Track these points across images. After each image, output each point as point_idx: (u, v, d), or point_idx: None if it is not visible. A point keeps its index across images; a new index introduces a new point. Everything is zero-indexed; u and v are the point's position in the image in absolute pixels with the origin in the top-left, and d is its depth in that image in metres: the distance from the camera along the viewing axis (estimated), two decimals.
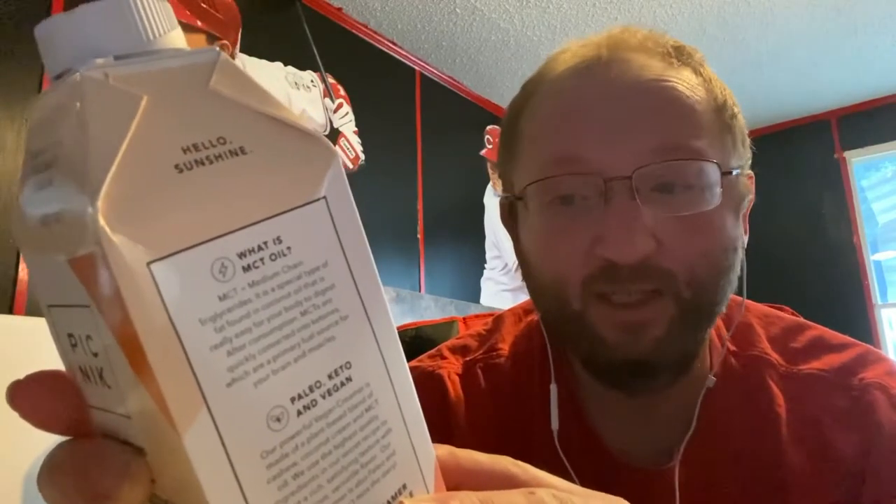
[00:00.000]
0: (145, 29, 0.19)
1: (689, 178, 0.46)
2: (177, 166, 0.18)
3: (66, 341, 0.19)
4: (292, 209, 0.20)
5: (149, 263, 0.17)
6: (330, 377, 0.20)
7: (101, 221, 0.16)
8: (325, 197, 0.21)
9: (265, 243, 0.19)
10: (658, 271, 0.45)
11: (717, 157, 0.46)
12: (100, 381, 0.18)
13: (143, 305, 0.17)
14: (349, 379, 0.21)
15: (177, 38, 0.20)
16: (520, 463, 0.24)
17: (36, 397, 0.19)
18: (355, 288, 0.21)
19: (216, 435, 0.17)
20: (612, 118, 0.46)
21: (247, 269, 0.19)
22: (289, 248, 0.20)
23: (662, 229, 0.45)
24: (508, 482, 0.23)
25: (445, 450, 0.24)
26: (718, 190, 0.46)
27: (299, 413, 0.19)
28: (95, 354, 0.18)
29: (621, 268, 0.44)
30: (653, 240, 0.44)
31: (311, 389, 0.20)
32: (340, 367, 0.21)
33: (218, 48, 0.20)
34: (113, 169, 0.17)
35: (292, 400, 0.19)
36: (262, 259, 0.19)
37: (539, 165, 0.49)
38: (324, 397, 0.20)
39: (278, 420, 0.19)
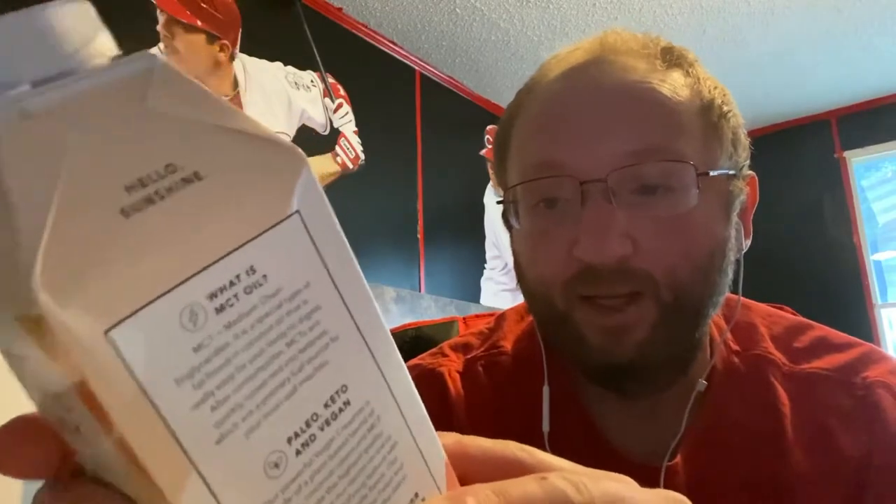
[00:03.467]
0: (63, 42, 0.16)
1: (667, 179, 0.46)
2: (123, 210, 0.15)
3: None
4: (263, 232, 0.18)
5: (107, 331, 0.15)
6: (326, 406, 0.19)
7: (44, 297, 0.14)
8: (298, 211, 0.18)
9: (237, 277, 0.17)
10: (636, 273, 0.45)
11: (696, 159, 0.46)
12: (78, 434, 0.16)
13: (107, 381, 0.15)
14: (347, 402, 0.19)
15: (103, 45, 0.17)
16: (526, 447, 0.24)
17: (11, 449, 0.17)
18: (343, 304, 0.19)
19: (210, 497, 0.16)
20: (589, 122, 0.47)
21: (220, 310, 0.16)
22: (264, 276, 0.17)
23: (640, 231, 0.45)
24: (516, 467, 0.23)
25: (452, 438, 0.24)
26: (695, 191, 0.46)
27: (298, 452, 0.18)
28: (69, 410, 0.16)
29: (600, 270, 0.45)
30: (628, 242, 0.45)
31: (307, 424, 0.18)
32: (337, 392, 0.19)
33: (152, 52, 0.17)
34: (47, 232, 0.14)
35: (289, 440, 0.18)
36: (235, 295, 0.17)
37: (523, 170, 0.50)
38: (322, 429, 0.19)
39: (276, 466, 0.17)
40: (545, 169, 0.48)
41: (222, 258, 0.17)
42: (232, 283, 0.17)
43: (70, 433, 0.16)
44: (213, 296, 0.16)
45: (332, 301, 0.19)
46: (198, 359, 0.16)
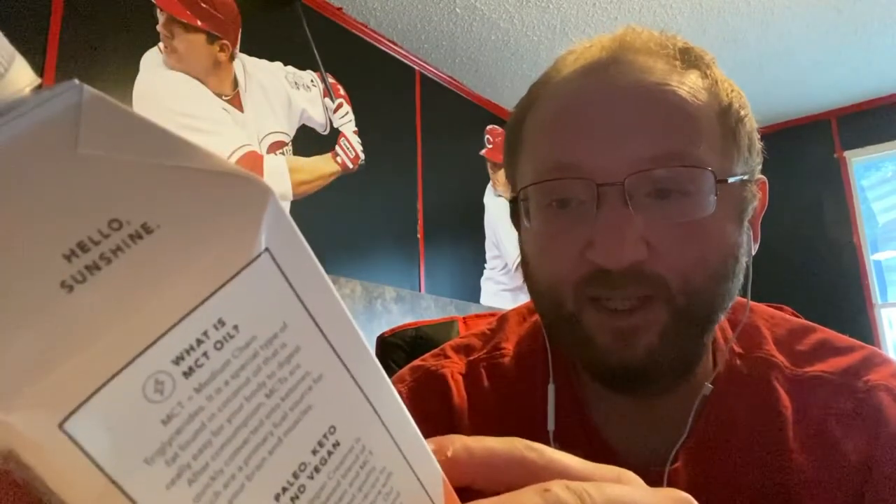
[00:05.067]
0: None
1: (684, 184, 0.45)
2: (63, 284, 0.13)
3: None
4: (230, 279, 0.16)
5: (61, 424, 0.13)
6: (315, 452, 0.18)
7: None
8: (267, 249, 0.17)
9: (205, 334, 0.15)
10: (650, 277, 0.45)
11: (715, 164, 0.46)
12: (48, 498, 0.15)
13: (70, 478, 0.13)
14: (337, 444, 0.18)
15: (19, 76, 0.15)
16: (534, 445, 0.24)
17: None
18: (324, 339, 0.18)
19: None
20: (608, 123, 0.46)
21: (189, 373, 0.15)
22: (235, 327, 0.16)
23: (656, 235, 0.45)
24: (524, 468, 0.23)
25: (459, 444, 0.23)
26: (713, 198, 0.45)
27: None
28: (33, 482, 0.14)
29: (613, 273, 0.44)
30: (643, 246, 0.44)
31: (295, 476, 0.17)
32: (325, 435, 0.18)
33: (76, 80, 0.15)
34: None
35: (276, 497, 0.17)
36: (204, 354, 0.15)
37: (537, 169, 0.49)
38: (312, 477, 0.17)
39: None
40: (561, 170, 0.47)
41: (186, 316, 0.15)
42: (199, 342, 0.15)
43: (38, 491, 0.15)
44: (179, 359, 0.15)
45: (313, 338, 0.18)
46: (168, 431, 0.15)
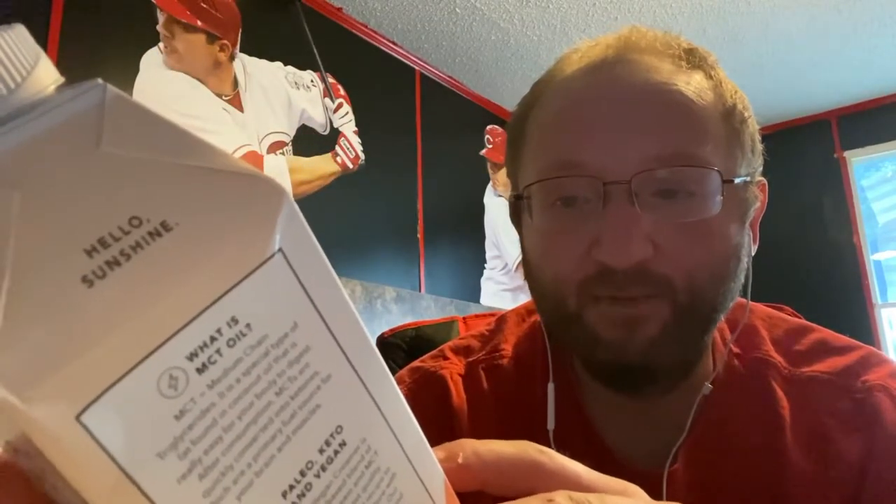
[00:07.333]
0: (1, 78, 0.14)
1: (690, 184, 0.45)
2: (84, 278, 0.14)
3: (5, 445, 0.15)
4: (244, 278, 0.16)
5: (78, 416, 0.13)
6: (321, 451, 0.18)
7: (3, 393, 0.13)
8: (280, 249, 0.17)
9: (218, 331, 0.16)
10: (655, 276, 0.45)
11: (720, 165, 0.46)
12: (56, 491, 0.15)
13: (84, 468, 0.14)
14: (343, 444, 0.18)
15: (45, 75, 0.15)
16: (544, 449, 0.24)
17: None
18: (334, 340, 0.18)
19: None
20: (614, 122, 0.46)
21: (202, 369, 0.15)
22: (248, 325, 0.16)
23: (661, 235, 0.45)
24: (534, 472, 0.23)
25: (469, 449, 0.23)
26: (719, 198, 0.45)
27: None
28: (43, 473, 0.15)
29: (617, 272, 0.44)
30: (649, 245, 0.44)
31: (302, 474, 0.17)
32: (332, 434, 0.18)
33: (100, 80, 0.15)
34: (0, 317, 0.13)
35: (284, 494, 0.17)
36: (217, 351, 0.15)
37: (541, 167, 0.49)
38: (318, 475, 0.18)
39: None
40: (566, 167, 0.47)
41: (201, 314, 0.15)
42: (213, 339, 0.15)
43: (47, 486, 0.15)
44: (193, 355, 0.15)
45: (323, 339, 0.18)
46: (181, 426, 0.15)
